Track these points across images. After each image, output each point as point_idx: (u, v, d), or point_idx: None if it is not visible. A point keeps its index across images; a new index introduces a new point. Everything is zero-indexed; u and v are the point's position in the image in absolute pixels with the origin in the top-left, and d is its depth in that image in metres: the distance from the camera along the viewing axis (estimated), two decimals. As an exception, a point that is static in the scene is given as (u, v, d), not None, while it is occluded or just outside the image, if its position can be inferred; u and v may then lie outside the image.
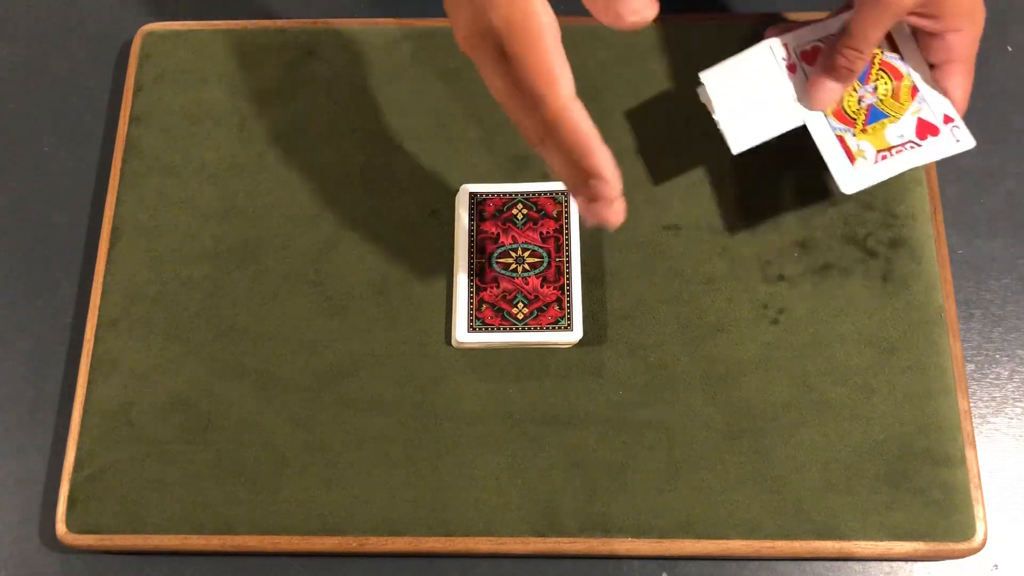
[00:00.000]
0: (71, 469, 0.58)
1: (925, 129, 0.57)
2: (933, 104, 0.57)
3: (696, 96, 0.63)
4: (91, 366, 0.60)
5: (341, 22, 0.68)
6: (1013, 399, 0.60)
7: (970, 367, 0.61)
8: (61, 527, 0.57)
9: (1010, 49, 0.68)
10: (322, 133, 0.65)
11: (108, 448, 0.58)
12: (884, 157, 0.57)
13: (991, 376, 0.61)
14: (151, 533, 0.56)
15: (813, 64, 0.58)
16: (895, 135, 0.57)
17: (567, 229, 0.61)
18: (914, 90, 0.57)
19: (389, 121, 0.65)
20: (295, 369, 0.59)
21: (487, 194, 0.62)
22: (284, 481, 0.57)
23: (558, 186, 0.62)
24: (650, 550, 0.55)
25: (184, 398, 0.59)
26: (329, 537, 0.56)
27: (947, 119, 0.57)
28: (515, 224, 0.61)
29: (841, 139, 0.58)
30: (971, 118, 0.64)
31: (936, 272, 0.60)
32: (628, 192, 0.62)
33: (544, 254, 0.60)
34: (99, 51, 0.71)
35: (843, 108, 0.58)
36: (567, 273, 0.60)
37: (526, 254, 0.60)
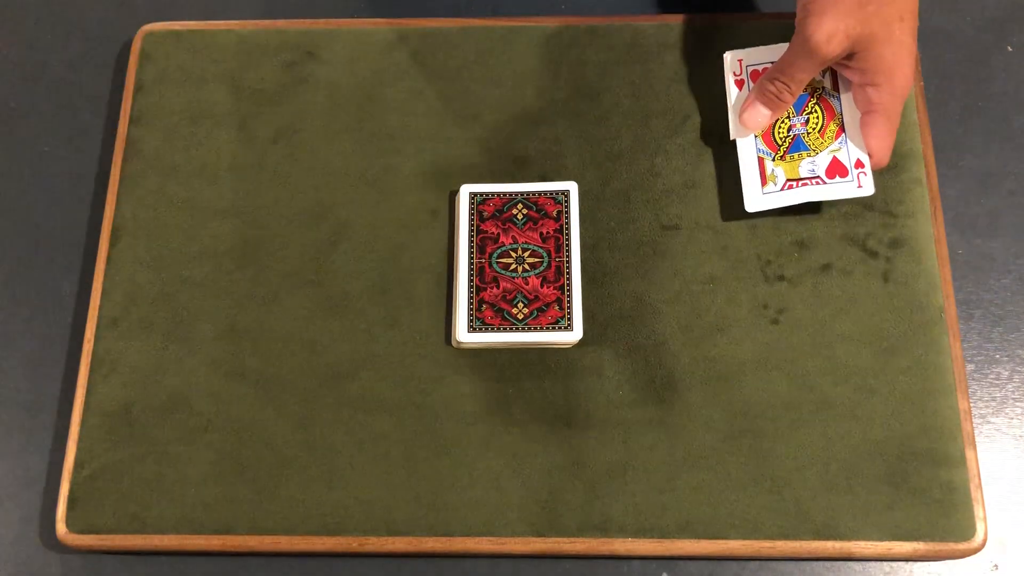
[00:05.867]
0: (71, 469, 0.58)
1: (835, 169, 0.59)
2: (852, 148, 0.60)
3: (694, 96, 0.63)
4: (91, 366, 0.60)
5: (341, 22, 0.68)
6: (1013, 399, 0.60)
7: (970, 367, 0.61)
8: (61, 527, 0.57)
9: (1010, 49, 0.68)
10: (322, 133, 0.65)
11: (108, 448, 0.58)
12: (790, 187, 0.60)
13: (991, 376, 0.61)
14: (151, 533, 0.56)
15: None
16: (807, 169, 0.60)
17: (567, 229, 0.61)
18: (840, 131, 0.60)
19: (389, 121, 0.65)
20: (295, 369, 0.59)
21: (487, 194, 0.62)
22: (284, 481, 0.57)
23: (558, 186, 0.62)
24: (650, 550, 0.55)
25: (184, 398, 0.59)
26: (329, 537, 0.56)
27: (858, 164, 0.59)
28: (515, 224, 0.61)
29: (761, 161, 0.60)
30: (972, 117, 0.64)
31: (936, 272, 0.60)
32: (628, 192, 0.63)
33: (544, 254, 0.60)
34: (99, 51, 0.71)
35: (772, 133, 0.61)
36: (567, 273, 0.60)
37: (526, 254, 0.60)
